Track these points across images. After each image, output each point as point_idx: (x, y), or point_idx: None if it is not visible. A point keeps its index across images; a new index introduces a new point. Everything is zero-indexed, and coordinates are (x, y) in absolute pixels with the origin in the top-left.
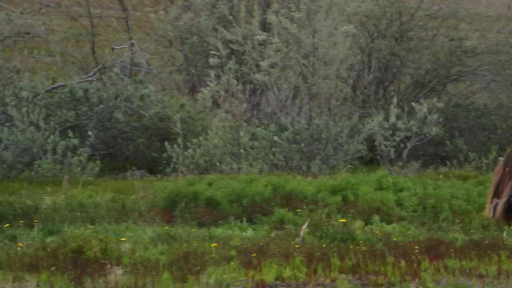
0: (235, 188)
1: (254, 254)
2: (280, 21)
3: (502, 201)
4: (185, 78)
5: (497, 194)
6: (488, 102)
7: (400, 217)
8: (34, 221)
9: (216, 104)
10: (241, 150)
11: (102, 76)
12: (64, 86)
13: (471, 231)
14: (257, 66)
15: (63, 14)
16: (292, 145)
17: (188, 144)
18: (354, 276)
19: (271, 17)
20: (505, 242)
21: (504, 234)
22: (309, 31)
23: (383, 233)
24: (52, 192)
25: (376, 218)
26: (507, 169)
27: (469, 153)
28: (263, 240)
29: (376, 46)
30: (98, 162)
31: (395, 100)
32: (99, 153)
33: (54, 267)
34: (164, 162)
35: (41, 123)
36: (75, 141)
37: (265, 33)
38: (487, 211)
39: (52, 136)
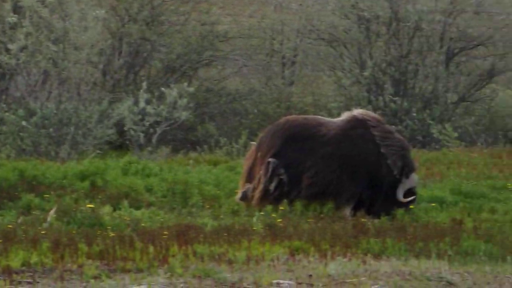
0: None
1: (0, 240)
2: (32, 4)
3: (259, 186)
4: None
5: (249, 179)
6: (240, 87)
7: (149, 202)
8: None
9: None
10: None
11: None
12: None
13: (221, 216)
14: (7, 50)
15: None
16: (41, 130)
17: None
18: (102, 262)
19: (24, 0)
20: (255, 228)
21: (254, 219)
22: (61, 15)
23: (132, 218)
24: None
25: (125, 203)
26: (259, 154)
27: (220, 138)
28: (9, 226)
29: (127, 31)
30: None
31: (145, 84)
32: None
33: None
34: None
35: None
36: None
37: (16, 15)
38: (239, 196)
39: None
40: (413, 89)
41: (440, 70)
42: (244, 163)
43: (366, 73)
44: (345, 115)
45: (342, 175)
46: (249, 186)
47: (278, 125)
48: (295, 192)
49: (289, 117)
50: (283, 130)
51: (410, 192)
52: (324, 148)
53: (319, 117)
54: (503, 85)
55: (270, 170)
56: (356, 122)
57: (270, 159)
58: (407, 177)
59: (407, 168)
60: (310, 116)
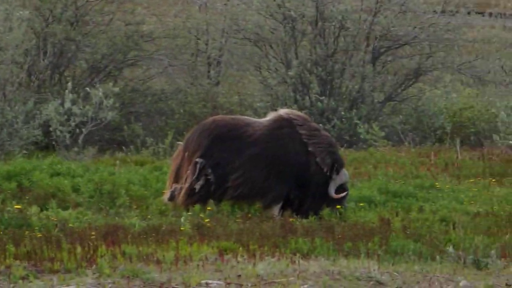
0: None
1: None
2: None
3: (185, 186)
4: None
5: (176, 179)
6: (166, 87)
7: (76, 203)
8: None
9: None
10: None
11: None
12: None
13: (149, 216)
14: None
15: None
16: None
17: None
18: (30, 263)
19: None
20: (182, 228)
21: (182, 219)
22: None
23: (59, 219)
24: None
25: (53, 204)
26: (186, 154)
27: (146, 138)
28: None
29: (51, 31)
30: None
31: (70, 85)
32: None
33: None
34: None
35: None
36: None
37: None
38: (166, 197)
39: None
40: (339, 89)
41: (367, 69)
42: (171, 163)
43: (291, 73)
44: (271, 115)
45: (269, 175)
46: (177, 186)
47: (205, 125)
48: (223, 192)
49: (216, 117)
50: (210, 130)
51: (341, 188)
52: (251, 148)
53: (246, 117)
54: (430, 84)
55: (197, 170)
56: (282, 122)
57: (197, 159)
58: (338, 173)
59: (337, 164)
60: (237, 116)
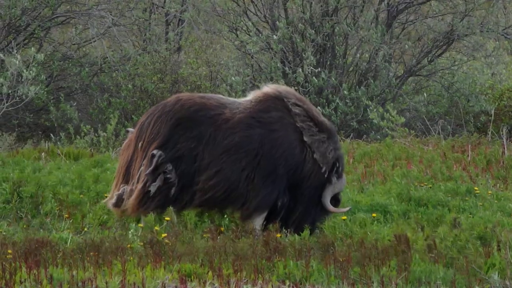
0: None
1: None
2: None
3: (137, 188)
4: None
5: (126, 178)
6: (109, 53)
7: None
8: None
9: None
10: None
11: None
12: None
13: (86, 229)
14: None
15: None
16: None
17: None
18: None
19: None
20: (131, 245)
21: (130, 233)
22: None
23: None
24: None
25: None
26: (139, 144)
27: (82, 123)
28: None
29: None
30: None
31: None
32: None
33: None
34: None
35: None
36: None
37: None
38: (111, 201)
39: None
40: (343, 59)
41: (380, 33)
42: (119, 157)
43: (278, 36)
44: (254, 93)
45: (253, 174)
46: (126, 187)
47: (165, 106)
48: (187, 197)
49: (180, 95)
50: (173, 113)
51: (337, 198)
52: (229, 137)
53: (220, 96)
54: (466, 54)
55: (153, 166)
56: (270, 102)
57: (154, 151)
58: (339, 176)
59: (339, 164)
60: (208, 95)
